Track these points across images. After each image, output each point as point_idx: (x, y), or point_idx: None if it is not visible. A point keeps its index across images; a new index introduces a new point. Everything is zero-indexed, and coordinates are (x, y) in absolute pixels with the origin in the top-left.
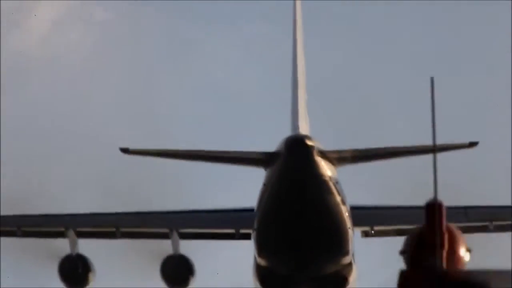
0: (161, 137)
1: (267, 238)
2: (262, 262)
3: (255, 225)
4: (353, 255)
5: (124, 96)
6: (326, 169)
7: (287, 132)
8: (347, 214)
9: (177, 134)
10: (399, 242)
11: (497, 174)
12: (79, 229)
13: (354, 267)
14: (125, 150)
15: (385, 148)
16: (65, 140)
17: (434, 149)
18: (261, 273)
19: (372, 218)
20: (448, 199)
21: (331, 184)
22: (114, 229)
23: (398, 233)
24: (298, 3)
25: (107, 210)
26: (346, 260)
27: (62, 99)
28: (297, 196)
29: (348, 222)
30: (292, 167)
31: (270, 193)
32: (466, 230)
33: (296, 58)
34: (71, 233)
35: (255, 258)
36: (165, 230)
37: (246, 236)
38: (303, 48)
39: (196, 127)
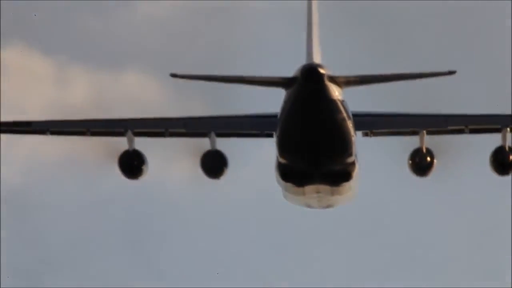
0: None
1: (288, 143)
2: (283, 160)
3: (277, 133)
4: (356, 155)
5: None
6: (335, 91)
7: (303, 60)
8: (351, 125)
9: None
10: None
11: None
12: (135, 130)
13: (357, 165)
14: (174, 75)
15: (380, 75)
16: None
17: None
18: (282, 169)
19: (371, 123)
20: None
21: (339, 104)
22: (163, 130)
23: (391, 134)
24: None
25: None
26: (350, 159)
27: None
28: (311, 113)
29: (352, 131)
30: (307, 90)
31: (289, 109)
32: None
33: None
34: (129, 133)
35: (277, 157)
36: (204, 131)
37: (269, 135)
38: None
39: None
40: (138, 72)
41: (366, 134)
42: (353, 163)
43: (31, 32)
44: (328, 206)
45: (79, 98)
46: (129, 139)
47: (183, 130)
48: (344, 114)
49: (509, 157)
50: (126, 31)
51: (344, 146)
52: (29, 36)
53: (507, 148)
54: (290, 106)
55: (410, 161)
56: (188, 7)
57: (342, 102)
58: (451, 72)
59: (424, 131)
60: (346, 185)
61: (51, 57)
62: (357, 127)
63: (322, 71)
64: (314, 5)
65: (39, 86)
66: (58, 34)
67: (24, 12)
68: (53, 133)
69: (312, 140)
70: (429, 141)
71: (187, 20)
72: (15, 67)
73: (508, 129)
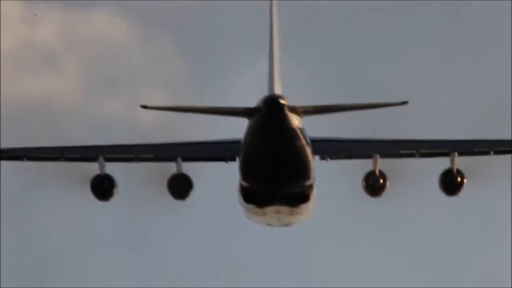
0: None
1: (250, 168)
2: (245, 183)
3: (241, 158)
4: (314, 179)
5: None
6: (295, 120)
7: (265, 92)
8: (309, 151)
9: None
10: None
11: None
12: (107, 156)
13: (315, 187)
14: (144, 107)
15: (336, 105)
16: None
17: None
18: (245, 191)
19: (328, 148)
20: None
21: (298, 132)
22: (133, 155)
23: (346, 158)
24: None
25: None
26: (308, 182)
27: None
28: (273, 140)
29: (310, 157)
30: (269, 119)
31: (252, 137)
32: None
33: (272, 36)
34: (100, 159)
35: (240, 180)
36: (171, 156)
37: (233, 160)
38: (278, 26)
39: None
40: (107, 12)
41: (323, 158)
42: (311, 186)
43: None
44: (287, 225)
45: (48, 36)
46: (100, 164)
47: (151, 156)
48: (303, 141)
49: (457, 179)
50: None
51: (302, 171)
52: None
53: (455, 171)
54: (253, 133)
55: (364, 183)
56: None
57: (301, 130)
58: (403, 103)
59: (377, 155)
60: (304, 206)
61: None
62: (315, 152)
63: (282, 101)
64: (276, 42)
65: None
66: None
67: None
68: (29, 159)
69: (273, 165)
70: (382, 164)
71: None
72: None
73: (456, 153)
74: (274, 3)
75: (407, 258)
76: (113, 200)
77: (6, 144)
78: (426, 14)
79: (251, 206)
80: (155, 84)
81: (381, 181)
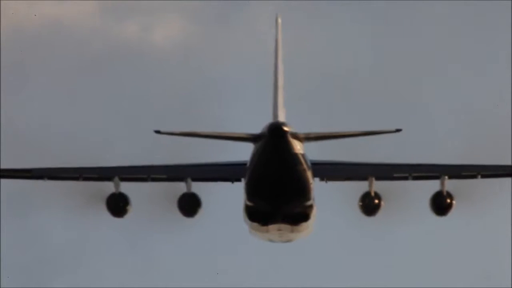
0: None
1: (255, 189)
2: (250, 203)
3: (246, 180)
4: (313, 199)
5: None
6: (297, 146)
7: (269, 119)
8: (310, 174)
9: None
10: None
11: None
12: (122, 176)
13: (314, 207)
14: (158, 132)
15: (336, 132)
16: None
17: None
18: (249, 210)
19: (327, 170)
20: None
21: (300, 157)
22: (146, 176)
23: (344, 180)
24: (279, 21)
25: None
26: (309, 203)
27: None
28: (276, 164)
29: (311, 179)
30: (273, 145)
31: (257, 161)
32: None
33: (277, 68)
34: (115, 179)
35: (245, 200)
36: (181, 176)
37: (238, 181)
38: (282, 57)
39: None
40: None
41: (322, 180)
42: (311, 206)
43: None
44: (288, 241)
45: None
46: (115, 184)
47: (163, 176)
48: (304, 166)
49: (446, 201)
50: None
51: (303, 193)
52: None
53: (444, 193)
54: (258, 158)
55: (360, 203)
56: None
57: (303, 155)
58: (397, 130)
59: (373, 178)
60: (304, 224)
61: None
62: (315, 174)
63: (286, 128)
64: (280, 72)
65: None
66: None
67: None
68: (50, 178)
69: (276, 187)
70: (378, 185)
71: None
72: None
73: (446, 176)
74: (279, 35)
75: (400, 274)
76: (127, 217)
77: None
78: (417, 44)
79: (255, 224)
80: None
81: (376, 201)
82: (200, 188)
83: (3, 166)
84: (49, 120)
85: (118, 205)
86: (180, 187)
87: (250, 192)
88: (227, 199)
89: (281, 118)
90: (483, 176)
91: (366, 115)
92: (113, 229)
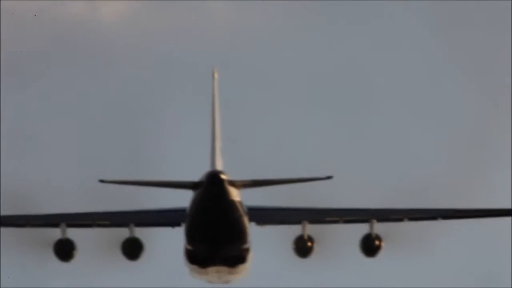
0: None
1: (194, 234)
2: (189, 247)
3: (186, 225)
4: (250, 242)
5: None
6: (234, 192)
7: (207, 167)
8: (246, 220)
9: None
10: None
11: None
12: (68, 222)
13: (251, 250)
14: (102, 181)
15: (270, 180)
16: None
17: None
18: (189, 254)
19: (263, 215)
20: None
21: (236, 203)
22: (91, 222)
23: (279, 223)
24: (216, 77)
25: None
26: (245, 246)
27: None
28: (214, 210)
29: (247, 224)
30: (211, 193)
31: (196, 207)
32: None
33: (214, 120)
34: (62, 225)
35: (185, 244)
36: (125, 222)
37: (179, 225)
38: (219, 112)
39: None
40: None
41: (259, 224)
42: (247, 249)
43: None
44: (226, 282)
45: None
46: (62, 230)
47: (107, 222)
48: (240, 211)
49: (375, 243)
50: None
51: (240, 237)
52: None
53: (373, 235)
54: (197, 204)
55: (294, 245)
56: None
57: (239, 202)
58: (328, 177)
59: (306, 221)
60: (242, 266)
61: None
62: (251, 219)
63: (223, 176)
64: (217, 123)
65: None
66: None
67: None
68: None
69: (214, 232)
70: (311, 229)
71: None
72: None
73: (374, 220)
74: (216, 84)
75: None
76: (73, 261)
77: None
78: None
79: (195, 267)
80: None
81: (309, 244)
82: (142, 233)
83: None
84: None
85: (65, 250)
86: (123, 232)
87: (190, 237)
88: (168, 243)
89: (219, 166)
90: (411, 219)
91: (300, 162)
92: (61, 273)
